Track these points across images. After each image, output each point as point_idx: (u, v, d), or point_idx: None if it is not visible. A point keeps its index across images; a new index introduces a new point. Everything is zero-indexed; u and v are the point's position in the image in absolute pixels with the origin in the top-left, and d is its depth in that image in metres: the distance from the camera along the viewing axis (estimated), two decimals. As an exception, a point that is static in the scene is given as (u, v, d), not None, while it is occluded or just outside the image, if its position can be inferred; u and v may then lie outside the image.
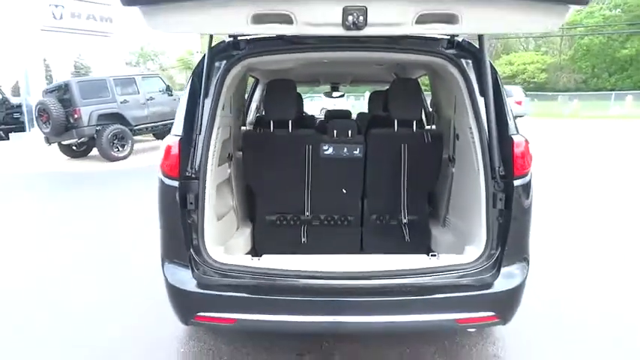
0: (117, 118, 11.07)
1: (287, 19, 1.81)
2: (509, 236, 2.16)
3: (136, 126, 11.52)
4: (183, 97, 2.33)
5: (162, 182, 2.22)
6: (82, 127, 10.49)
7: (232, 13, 1.80)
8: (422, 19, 1.82)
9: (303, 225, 3.11)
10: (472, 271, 2.16)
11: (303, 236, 3.08)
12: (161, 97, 12.22)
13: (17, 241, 4.91)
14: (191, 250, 2.17)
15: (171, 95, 12.52)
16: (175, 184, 2.15)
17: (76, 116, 10.45)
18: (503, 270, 2.16)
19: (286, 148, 3.00)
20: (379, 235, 3.09)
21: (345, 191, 3.05)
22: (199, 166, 2.18)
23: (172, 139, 2.20)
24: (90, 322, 3.02)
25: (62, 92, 10.87)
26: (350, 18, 1.75)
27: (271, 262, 2.23)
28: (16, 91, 22.60)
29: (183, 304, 2.23)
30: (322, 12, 1.78)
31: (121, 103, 11.25)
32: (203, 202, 2.19)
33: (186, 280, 2.16)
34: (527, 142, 2.22)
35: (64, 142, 11.34)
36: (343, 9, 1.73)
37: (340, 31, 1.77)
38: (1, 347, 2.76)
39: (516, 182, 2.15)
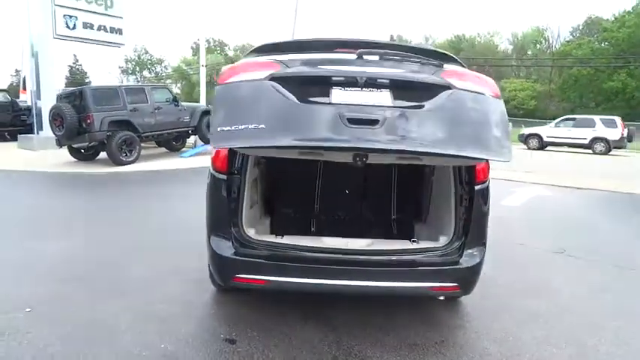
0: (126, 125, 11.72)
1: (320, 155, 2.78)
2: (471, 227, 2.88)
3: (143, 133, 12.17)
4: None
5: (213, 176, 2.91)
6: (94, 132, 11.10)
7: (289, 152, 2.76)
8: (399, 159, 2.86)
9: (313, 218, 3.81)
10: (442, 252, 2.86)
11: (313, 226, 3.78)
12: (168, 107, 12.93)
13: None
14: (232, 228, 2.86)
15: (178, 106, 13.24)
16: (224, 177, 2.84)
17: (88, 121, 11.06)
18: (466, 252, 2.87)
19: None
20: (373, 228, 3.79)
21: (347, 192, 3.77)
22: (241, 165, 2.87)
23: None
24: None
25: (75, 98, 11.53)
26: (357, 159, 2.62)
27: (291, 239, 2.92)
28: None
29: (225, 267, 2.90)
30: (340, 156, 2.73)
31: (131, 111, 11.90)
32: (243, 192, 2.87)
33: (228, 249, 2.84)
34: None
35: (74, 145, 11.98)
36: (353, 155, 2.60)
37: (351, 163, 2.67)
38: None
39: (477, 187, 2.87)
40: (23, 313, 3.23)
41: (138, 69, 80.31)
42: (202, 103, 16.76)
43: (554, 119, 24.76)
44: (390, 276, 2.82)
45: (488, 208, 2.95)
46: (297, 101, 2.42)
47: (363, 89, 2.51)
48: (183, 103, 13.77)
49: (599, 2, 77.40)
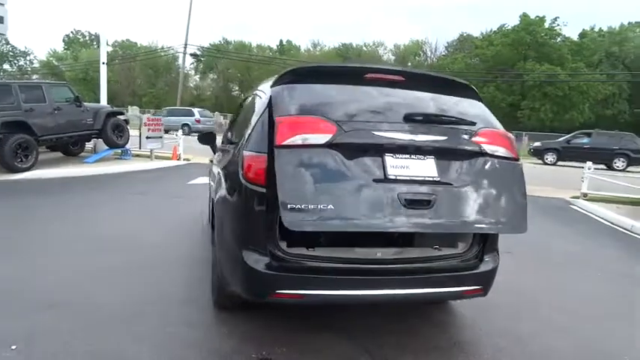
0: (21, 126, 10.38)
1: None
2: (488, 235, 3.10)
3: (41, 136, 10.88)
4: (262, 122, 2.91)
5: (246, 188, 2.78)
6: (-19, 135, 9.70)
7: None
8: None
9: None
10: (466, 258, 3.05)
11: (322, 237, 3.74)
12: (69, 108, 11.69)
13: None
14: (268, 242, 2.75)
15: (80, 106, 12.06)
16: (261, 190, 2.72)
17: (-25, 122, 9.66)
18: (485, 258, 3.09)
19: None
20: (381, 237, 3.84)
21: None
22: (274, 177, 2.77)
23: (259, 155, 2.76)
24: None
25: (-46, 96, 9.97)
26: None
27: (324, 252, 2.89)
28: None
29: (264, 283, 2.77)
30: None
31: (27, 111, 10.56)
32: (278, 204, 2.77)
33: (266, 265, 2.73)
34: None
35: (-48, 150, 10.34)
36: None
37: None
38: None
39: None
40: (10, 352, 2.76)
41: (-4, 60, 71.12)
42: (103, 102, 15.42)
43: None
44: (426, 283, 2.94)
45: None
46: (358, 179, 2.61)
47: (412, 157, 2.76)
48: (86, 104, 12.58)
49: (471, 21, 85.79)
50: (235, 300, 3.32)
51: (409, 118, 2.82)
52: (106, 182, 9.86)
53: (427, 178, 2.73)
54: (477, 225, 2.77)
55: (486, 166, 2.86)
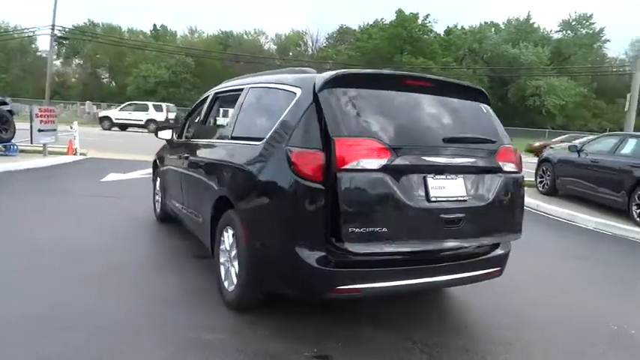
0: None
1: None
2: None
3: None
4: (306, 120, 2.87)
5: (299, 184, 2.74)
6: None
7: None
8: None
9: None
10: (486, 244, 3.33)
11: None
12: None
13: None
14: (328, 238, 2.72)
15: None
16: (320, 186, 2.69)
17: None
18: (500, 244, 3.41)
19: None
20: None
21: None
22: (329, 173, 2.73)
23: (312, 151, 2.74)
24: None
25: None
26: None
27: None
28: None
29: (323, 281, 2.77)
30: None
31: None
32: (333, 200, 2.73)
33: (326, 261, 2.74)
34: None
35: None
36: None
37: None
38: None
39: None
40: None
41: None
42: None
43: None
44: (461, 268, 3.15)
45: None
46: (408, 201, 2.78)
47: (447, 177, 3.00)
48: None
49: (349, 13, 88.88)
50: (257, 300, 3.30)
51: (447, 140, 3.02)
52: (1, 182, 8.55)
53: (459, 198, 3.00)
54: (494, 237, 3.24)
55: (502, 182, 3.20)
